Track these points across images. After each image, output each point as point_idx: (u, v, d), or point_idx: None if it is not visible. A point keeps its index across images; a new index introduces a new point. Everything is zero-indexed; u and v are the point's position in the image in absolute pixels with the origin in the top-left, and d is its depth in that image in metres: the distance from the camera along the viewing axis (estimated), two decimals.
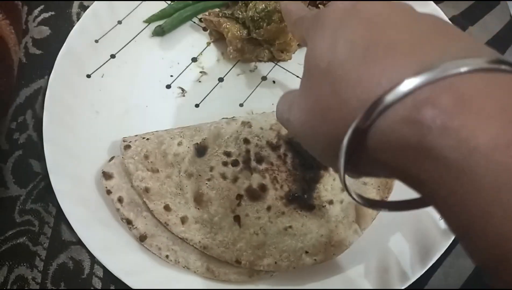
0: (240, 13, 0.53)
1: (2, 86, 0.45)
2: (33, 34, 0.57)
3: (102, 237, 0.44)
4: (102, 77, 0.53)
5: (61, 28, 0.57)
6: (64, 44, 0.53)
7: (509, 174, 0.17)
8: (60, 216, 0.46)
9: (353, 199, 0.25)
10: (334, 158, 0.23)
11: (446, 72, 0.19)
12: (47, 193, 0.47)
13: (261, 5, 0.50)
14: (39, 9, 0.59)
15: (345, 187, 0.25)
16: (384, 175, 0.27)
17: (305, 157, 0.45)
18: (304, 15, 0.32)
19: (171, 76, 0.54)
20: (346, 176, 0.24)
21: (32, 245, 0.47)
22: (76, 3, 0.59)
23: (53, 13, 0.59)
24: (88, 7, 0.58)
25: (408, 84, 0.19)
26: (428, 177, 0.19)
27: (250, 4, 0.51)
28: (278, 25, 0.50)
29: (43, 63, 0.55)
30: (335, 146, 0.22)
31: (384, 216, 0.45)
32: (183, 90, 0.53)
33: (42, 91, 0.53)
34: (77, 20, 0.57)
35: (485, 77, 0.19)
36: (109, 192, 0.43)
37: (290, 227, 0.43)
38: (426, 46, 0.21)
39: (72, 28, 0.54)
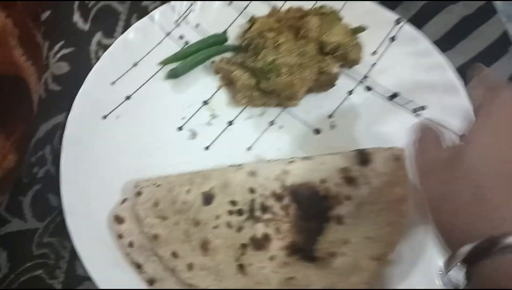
0: (250, 62, 0.55)
1: (21, 130, 0.48)
2: (53, 70, 0.60)
3: (113, 277, 0.46)
4: (117, 118, 0.56)
5: (80, 65, 0.60)
6: (82, 86, 0.55)
7: None
8: (74, 251, 0.48)
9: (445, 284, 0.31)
10: (453, 251, 0.28)
11: None
12: (63, 228, 0.50)
13: (270, 57, 0.52)
14: (59, 44, 0.62)
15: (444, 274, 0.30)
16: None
17: (308, 208, 0.47)
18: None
19: (183, 118, 0.56)
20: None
21: (48, 278, 0.49)
22: (94, 41, 0.62)
23: (72, 49, 0.62)
24: (106, 45, 0.61)
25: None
26: None
27: (260, 55, 0.54)
28: (286, 79, 0.52)
29: (61, 99, 0.58)
30: (460, 244, 0.28)
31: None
32: (194, 132, 0.56)
33: (60, 126, 0.56)
34: (95, 57, 0.60)
35: None
36: (120, 236, 0.46)
37: (293, 278, 0.45)
38: None
39: (90, 65, 0.57)
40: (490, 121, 0.33)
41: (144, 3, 0.65)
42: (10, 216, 0.52)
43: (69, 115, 0.53)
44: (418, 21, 0.63)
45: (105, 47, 0.60)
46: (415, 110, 0.56)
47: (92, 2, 0.65)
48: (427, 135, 0.40)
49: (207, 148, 0.55)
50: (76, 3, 0.65)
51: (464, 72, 0.58)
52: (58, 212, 0.51)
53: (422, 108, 0.56)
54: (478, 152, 0.31)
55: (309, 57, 0.53)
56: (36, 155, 0.55)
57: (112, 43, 0.59)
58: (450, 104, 0.55)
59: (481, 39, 0.63)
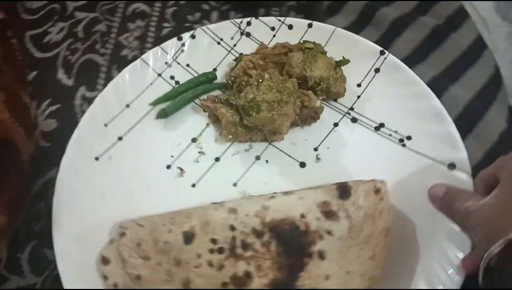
0: (234, 99, 0.56)
1: (11, 190, 0.49)
2: (42, 128, 0.63)
3: None
4: (109, 159, 0.58)
5: (66, 120, 0.63)
6: (76, 130, 0.58)
7: None
8: None
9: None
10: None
11: None
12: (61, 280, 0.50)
13: (251, 94, 0.54)
14: (46, 102, 0.65)
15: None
16: None
17: (288, 244, 0.47)
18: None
19: (172, 156, 0.58)
20: None
21: None
22: (78, 96, 0.65)
23: (59, 106, 0.65)
24: (89, 98, 0.64)
25: None
26: None
27: (242, 93, 0.55)
28: (266, 114, 0.53)
29: (52, 154, 0.59)
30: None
31: None
32: (182, 170, 0.57)
33: (52, 181, 0.56)
34: (80, 111, 0.63)
35: None
36: (105, 278, 0.47)
37: None
38: None
39: (76, 119, 0.61)
40: None
41: (123, 52, 0.69)
42: (8, 273, 0.54)
43: (62, 160, 0.56)
44: (389, 39, 0.64)
45: (89, 100, 0.63)
46: (401, 140, 0.56)
47: (74, 57, 0.68)
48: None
49: (193, 185, 0.56)
50: (60, 59, 0.68)
51: (437, 84, 0.58)
52: (54, 266, 0.52)
53: (408, 138, 0.56)
54: None
55: (289, 92, 0.54)
56: (31, 210, 0.57)
57: (95, 96, 0.62)
58: (436, 132, 0.55)
59: (454, 48, 0.62)
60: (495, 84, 0.61)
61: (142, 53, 0.67)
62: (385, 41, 0.62)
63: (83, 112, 0.62)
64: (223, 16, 0.71)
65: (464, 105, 0.59)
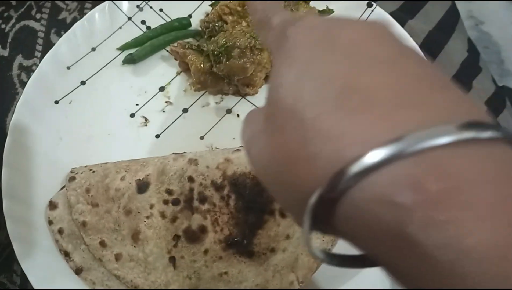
0: (205, 46, 0.52)
1: None
2: None
3: (42, 266, 0.44)
4: (70, 103, 0.54)
5: (4, 92, 0.57)
6: (37, 69, 0.54)
7: (507, 284, 0.14)
8: (25, 284, 0.46)
9: (316, 257, 0.21)
10: (298, 213, 0.19)
11: (417, 145, 0.16)
12: (11, 263, 0.48)
13: (222, 40, 0.50)
14: None
15: (308, 246, 0.20)
16: (353, 244, 0.20)
17: (248, 200, 0.43)
18: (271, 22, 0.25)
19: (137, 104, 0.54)
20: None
21: None
22: (15, 65, 0.60)
23: None
24: (27, 66, 0.59)
25: (373, 157, 0.16)
26: (407, 270, 0.17)
27: (213, 38, 0.51)
28: (237, 61, 0.49)
29: None
30: (301, 202, 0.19)
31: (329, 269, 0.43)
32: (146, 119, 0.54)
33: None
34: (18, 82, 0.58)
35: (472, 152, 0.16)
36: (50, 222, 0.44)
37: (226, 273, 0.42)
38: (405, 103, 0.17)
39: (15, 91, 0.57)
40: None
41: (62, 15, 0.63)
42: None
43: (19, 100, 0.52)
44: None
45: (27, 69, 0.59)
46: None
47: (8, 26, 0.62)
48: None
49: (157, 136, 0.53)
50: None
51: (395, 17, 0.54)
52: (3, 247, 0.49)
53: None
54: (284, 87, 0.21)
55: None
56: None
57: (33, 63, 0.59)
58: None
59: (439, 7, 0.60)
60: (452, 16, 0.60)
61: (82, 14, 0.62)
62: None
63: (21, 82, 0.58)
64: None
65: (424, 37, 0.57)
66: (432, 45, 0.56)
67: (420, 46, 0.54)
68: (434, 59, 0.54)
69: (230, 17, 0.54)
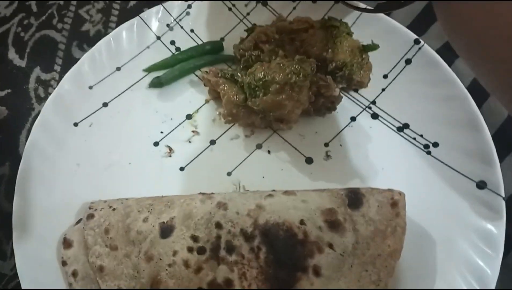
0: (240, 76, 0.49)
1: None
2: None
3: None
4: (90, 126, 0.51)
5: (19, 107, 0.54)
6: (57, 87, 0.51)
7: None
8: None
9: None
10: None
11: None
12: None
13: (260, 73, 0.46)
14: None
15: None
16: None
17: (280, 254, 0.40)
18: None
19: (161, 132, 0.51)
20: None
21: None
22: (33, 78, 0.56)
23: (9, 90, 0.56)
24: (45, 80, 0.56)
25: None
26: None
27: (250, 69, 0.47)
28: (275, 98, 0.45)
29: (2, 148, 0.52)
30: None
31: None
32: (170, 149, 0.50)
33: (4, 180, 0.50)
34: (35, 96, 0.55)
35: None
36: (64, 263, 0.41)
37: None
38: None
39: (30, 105, 0.53)
40: None
41: (85, 26, 0.59)
42: None
43: (37, 119, 0.49)
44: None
45: (45, 83, 0.55)
46: (426, 146, 0.48)
47: (28, 34, 0.59)
48: None
49: (182, 168, 0.49)
50: (11, 37, 0.59)
51: (441, 56, 0.51)
52: (7, 280, 0.46)
53: (435, 144, 0.48)
54: None
55: (304, 75, 0.46)
56: None
57: (52, 78, 0.55)
58: (468, 143, 0.47)
59: None
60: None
61: (107, 27, 0.59)
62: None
63: (38, 96, 0.55)
64: None
65: (471, 80, 0.52)
66: (479, 89, 0.52)
67: (468, 89, 0.50)
68: (481, 106, 0.50)
69: (267, 46, 0.50)
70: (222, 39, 0.56)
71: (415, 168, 0.47)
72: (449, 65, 0.51)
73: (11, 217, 0.45)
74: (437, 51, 0.53)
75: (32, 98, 0.55)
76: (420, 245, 0.43)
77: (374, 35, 0.52)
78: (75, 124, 0.50)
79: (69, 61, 0.56)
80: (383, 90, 0.51)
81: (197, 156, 0.50)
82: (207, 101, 0.53)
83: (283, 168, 0.49)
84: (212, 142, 0.50)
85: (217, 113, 0.52)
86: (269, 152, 0.50)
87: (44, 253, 0.43)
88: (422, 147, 0.48)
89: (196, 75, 0.54)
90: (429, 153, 0.48)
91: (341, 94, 0.50)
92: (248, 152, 0.50)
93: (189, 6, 0.56)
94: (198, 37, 0.56)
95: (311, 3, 0.56)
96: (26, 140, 0.49)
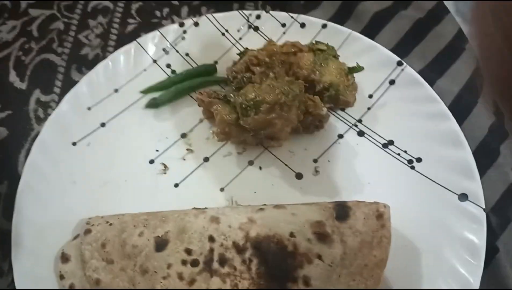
0: (232, 96, 0.51)
1: None
2: None
3: None
4: (87, 145, 0.53)
5: (18, 128, 0.56)
6: (56, 108, 0.53)
7: None
8: None
9: None
10: None
11: None
12: None
13: (251, 94, 0.48)
14: None
15: None
16: None
17: (271, 265, 0.41)
18: None
19: (157, 150, 0.53)
20: None
21: None
22: (33, 100, 0.58)
23: (10, 112, 0.57)
24: (45, 102, 0.57)
25: None
26: None
27: (242, 90, 0.50)
28: (265, 116, 0.47)
29: (1, 167, 0.53)
30: None
31: None
32: (165, 166, 0.52)
33: (2, 198, 0.51)
34: (35, 118, 0.56)
35: None
36: (62, 277, 0.42)
37: None
38: None
39: (30, 126, 0.55)
40: None
41: (83, 51, 0.62)
42: None
43: (36, 139, 0.51)
44: (371, 31, 0.60)
45: (45, 105, 0.57)
46: (410, 162, 0.50)
47: (29, 58, 0.61)
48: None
49: (176, 185, 0.51)
50: (12, 60, 0.61)
51: (424, 76, 0.54)
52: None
53: (418, 159, 0.50)
54: None
55: (293, 96, 0.48)
56: None
57: (51, 99, 0.57)
58: (450, 158, 0.49)
59: (437, 41, 0.60)
60: (479, 76, 0.58)
61: (104, 51, 0.61)
62: (367, 36, 0.58)
63: (38, 117, 0.56)
64: (194, 11, 0.64)
65: (453, 99, 0.56)
66: (460, 107, 0.55)
67: (449, 108, 0.52)
68: (462, 123, 0.53)
69: (258, 68, 0.53)
70: (216, 62, 0.58)
71: (399, 182, 0.49)
72: (431, 85, 0.54)
73: (8, 234, 0.46)
74: (421, 71, 0.56)
75: (32, 119, 0.57)
76: (406, 255, 0.45)
77: (359, 57, 0.55)
78: (74, 144, 0.52)
79: (68, 84, 0.58)
80: (369, 109, 0.54)
81: (191, 172, 0.51)
82: (201, 121, 0.55)
83: (274, 183, 0.51)
84: (206, 159, 0.52)
85: (211, 131, 0.54)
86: (260, 168, 0.52)
87: (42, 268, 0.44)
88: (406, 162, 0.51)
89: (191, 96, 0.56)
90: (412, 168, 0.50)
91: (329, 113, 0.53)
92: (240, 169, 0.52)
93: (184, 32, 0.59)
94: (192, 60, 0.58)
95: (300, 28, 0.59)
96: (25, 159, 0.51)
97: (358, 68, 0.53)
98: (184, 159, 0.52)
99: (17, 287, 0.43)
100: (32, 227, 0.46)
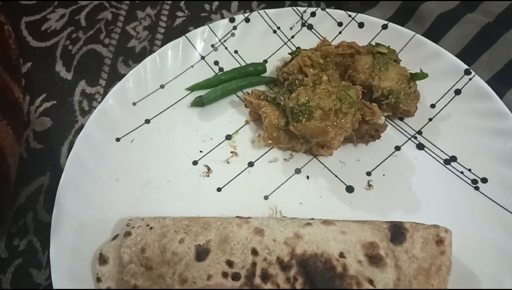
0: (282, 99, 0.48)
1: None
2: (34, 127, 0.55)
3: None
4: (131, 142, 0.51)
5: (63, 119, 0.55)
6: (101, 102, 0.52)
7: None
8: None
9: None
10: None
11: None
12: None
13: (303, 98, 0.45)
14: (40, 98, 0.57)
15: None
16: None
17: (318, 286, 0.38)
18: None
19: (201, 151, 0.51)
20: None
21: None
22: (78, 91, 0.57)
23: (55, 102, 0.57)
24: (90, 94, 0.57)
25: None
26: None
27: (293, 94, 0.47)
28: (318, 124, 0.44)
29: (44, 158, 0.53)
30: None
31: None
32: (209, 169, 0.50)
33: (44, 189, 0.51)
34: (79, 108, 0.56)
35: None
36: (98, 279, 0.41)
37: None
38: None
39: (74, 118, 0.55)
40: None
41: (131, 43, 0.61)
42: None
43: (81, 133, 0.50)
44: (434, 35, 0.55)
45: (90, 97, 0.56)
46: (474, 182, 0.46)
47: (76, 48, 0.60)
48: None
49: (219, 189, 0.48)
50: (59, 50, 0.60)
51: (492, 86, 0.49)
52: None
53: (483, 180, 0.46)
54: None
55: (350, 102, 0.45)
56: (16, 224, 0.49)
57: (97, 91, 0.57)
58: None
59: (506, 49, 0.53)
60: None
61: (152, 45, 0.60)
62: (430, 39, 0.52)
63: (82, 109, 0.56)
64: (244, 6, 0.62)
65: None
66: None
67: None
68: None
69: (311, 70, 0.50)
70: (265, 61, 0.56)
71: (461, 204, 0.45)
72: (500, 97, 0.49)
73: (48, 227, 0.45)
74: (488, 82, 0.50)
75: (76, 111, 0.56)
76: (464, 284, 0.41)
77: (422, 62, 0.50)
78: (117, 139, 0.51)
79: (114, 76, 0.57)
80: (430, 120, 0.50)
81: (235, 177, 0.49)
82: (247, 123, 0.52)
83: (322, 195, 0.47)
84: (250, 164, 0.50)
85: (257, 135, 0.51)
86: (308, 177, 0.49)
87: (80, 267, 0.43)
88: (469, 182, 0.46)
89: (238, 96, 0.54)
90: (477, 188, 0.46)
91: (386, 122, 0.49)
92: (286, 176, 0.49)
93: (235, 28, 0.56)
94: (241, 58, 0.56)
95: (358, 28, 0.55)
96: (68, 152, 0.50)
97: (422, 76, 0.49)
98: (228, 162, 0.50)
99: (54, 286, 0.42)
100: (72, 222, 0.45)
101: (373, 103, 0.47)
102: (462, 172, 0.47)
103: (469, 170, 0.46)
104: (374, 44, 0.51)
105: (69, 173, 0.48)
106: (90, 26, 0.63)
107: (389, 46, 0.50)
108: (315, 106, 0.44)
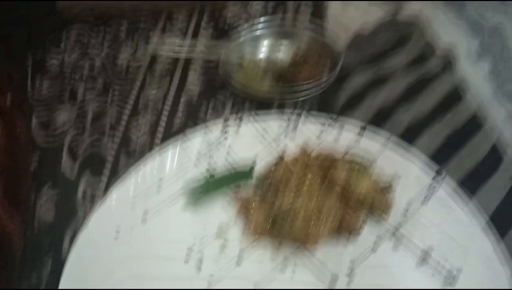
0: (268, 205, 0.53)
1: None
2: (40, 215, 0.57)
3: None
4: (128, 238, 0.55)
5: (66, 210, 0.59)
6: (104, 197, 0.57)
7: None
8: None
9: None
10: None
11: None
12: None
13: (287, 205, 0.51)
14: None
15: None
16: None
17: None
18: None
19: (192, 250, 0.54)
20: None
21: None
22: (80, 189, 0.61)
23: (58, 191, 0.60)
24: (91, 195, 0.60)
25: None
26: None
27: (278, 200, 0.52)
28: (301, 227, 0.49)
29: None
30: None
31: None
32: (199, 267, 0.53)
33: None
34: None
35: None
36: None
37: None
38: None
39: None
40: None
41: (132, 147, 0.65)
42: None
43: (80, 235, 0.53)
44: (409, 137, 0.61)
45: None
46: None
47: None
48: None
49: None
50: (65, 148, 0.65)
51: (462, 187, 0.54)
52: None
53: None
54: None
55: (329, 208, 0.50)
56: None
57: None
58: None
59: (476, 151, 0.59)
60: None
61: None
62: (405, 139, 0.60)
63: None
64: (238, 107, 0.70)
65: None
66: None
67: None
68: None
69: (292, 179, 0.55)
70: (252, 169, 0.60)
71: None
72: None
73: None
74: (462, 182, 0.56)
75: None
76: None
77: (396, 163, 0.57)
78: (116, 235, 0.55)
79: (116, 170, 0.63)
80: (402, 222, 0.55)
81: (225, 275, 0.53)
82: (235, 222, 0.57)
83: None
84: (238, 263, 0.53)
85: (246, 230, 0.55)
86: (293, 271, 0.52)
87: None
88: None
89: (227, 198, 0.59)
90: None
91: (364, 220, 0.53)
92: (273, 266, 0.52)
93: (226, 131, 0.63)
94: (232, 158, 0.62)
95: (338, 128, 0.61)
96: (69, 246, 0.54)
97: (390, 188, 0.55)
98: (219, 259, 0.54)
99: None
100: None
101: (355, 212, 0.52)
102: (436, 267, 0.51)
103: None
104: (350, 158, 0.57)
105: (69, 273, 0.51)
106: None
107: (362, 157, 0.57)
108: (296, 214, 0.49)
